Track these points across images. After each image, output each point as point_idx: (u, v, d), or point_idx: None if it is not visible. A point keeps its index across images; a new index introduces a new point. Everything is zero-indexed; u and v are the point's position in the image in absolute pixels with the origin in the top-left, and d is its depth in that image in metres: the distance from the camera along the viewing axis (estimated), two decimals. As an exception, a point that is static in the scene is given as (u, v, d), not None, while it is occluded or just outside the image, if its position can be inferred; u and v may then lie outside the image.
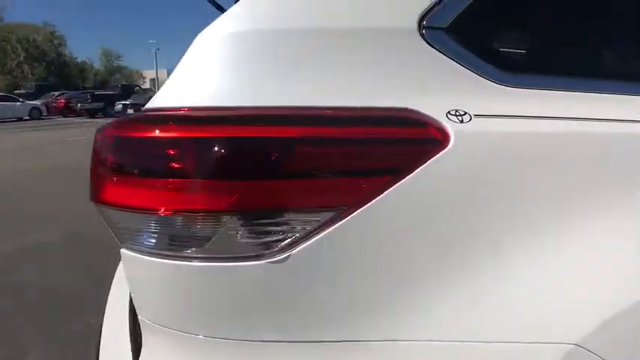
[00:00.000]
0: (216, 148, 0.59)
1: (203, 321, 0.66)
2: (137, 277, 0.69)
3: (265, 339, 0.65)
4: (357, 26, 0.69)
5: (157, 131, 0.61)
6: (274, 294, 0.63)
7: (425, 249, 0.65)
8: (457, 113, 0.69)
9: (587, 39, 0.84)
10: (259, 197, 0.60)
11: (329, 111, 0.63)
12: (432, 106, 0.68)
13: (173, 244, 0.63)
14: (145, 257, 0.65)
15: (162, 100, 0.67)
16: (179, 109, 0.64)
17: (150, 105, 0.67)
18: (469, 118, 0.69)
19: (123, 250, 0.68)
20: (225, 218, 0.60)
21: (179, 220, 0.62)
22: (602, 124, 0.72)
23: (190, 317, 0.66)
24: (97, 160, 0.66)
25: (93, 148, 0.66)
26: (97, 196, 0.66)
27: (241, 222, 0.61)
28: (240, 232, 0.61)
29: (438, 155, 0.65)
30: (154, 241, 0.64)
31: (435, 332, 0.65)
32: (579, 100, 0.74)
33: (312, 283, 0.63)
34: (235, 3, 0.73)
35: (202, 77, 0.66)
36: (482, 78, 0.73)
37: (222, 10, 2.09)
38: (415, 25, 0.70)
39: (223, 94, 0.64)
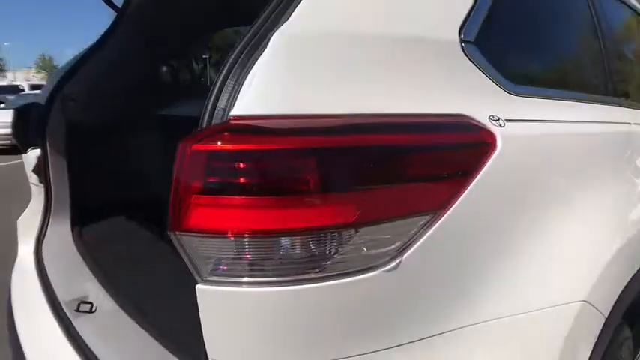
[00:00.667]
0: (343, 158, 0.58)
1: (311, 348, 0.62)
2: (228, 312, 0.61)
3: (375, 349, 0.65)
4: (413, 35, 0.74)
5: (269, 142, 0.56)
6: (388, 302, 0.64)
7: (499, 235, 0.74)
8: (494, 118, 0.80)
9: (575, 61, 1.05)
10: (377, 207, 0.61)
11: (417, 119, 0.67)
12: (477, 113, 0.77)
13: (286, 269, 0.59)
14: (246, 289, 0.58)
15: (250, 105, 0.60)
16: (281, 116, 0.59)
17: (237, 111, 0.60)
18: (503, 123, 0.80)
19: (203, 287, 0.60)
20: (349, 232, 0.59)
21: (298, 240, 0.58)
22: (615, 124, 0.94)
23: (296, 347, 0.62)
24: (183, 181, 0.57)
25: (176, 167, 0.57)
26: (181, 224, 0.57)
27: (362, 234, 0.60)
28: (360, 245, 0.61)
29: (494, 156, 0.74)
30: (260, 268, 0.58)
31: (511, 308, 0.75)
32: (571, 106, 0.93)
33: (422, 283, 0.66)
34: None
35: (295, 80, 0.62)
36: (497, 86, 0.85)
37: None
38: (457, 38, 0.78)
39: (319, 100, 0.61)
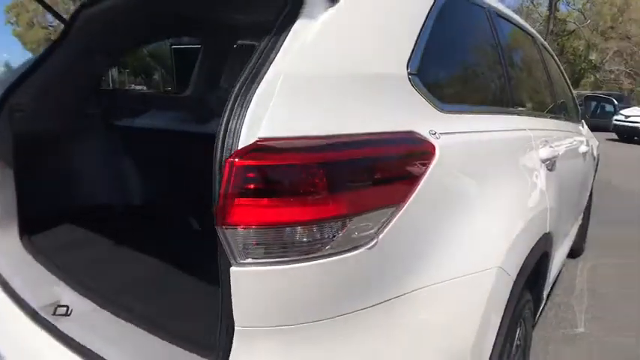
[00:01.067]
0: (339, 168, 0.80)
1: (316, 310, 0.85)
2: (256, 288, 0.80)
3: (352, 310, 0.88)
4: (374, 72, 0.99)
5: (287, 158, 0.77)
6: (369, 271, 0.88)
7: (440, 220, 1.01)
8: (432, 132, 1.06)
9: (485, 82, 1.36)
10: (362, 202, 0.84)
11: (381, 135, 0.92)
12: (421, 129, 1.03)
13: (319, 238, 0.80)
14: (269, 268, 0.79)
15: (268, 130, 0.79)
16: (296, 138, 0.80)
17: (261, 134, 0.79)
18: (439, 135, 1.07)
19: (236, 269, 0.79)
20: (344, 221, 0.81)
21: (311, 228, 0.79)
22: (516, 131, 1.26)
23: (305, 309, 0.84)
24: (230, 189, 0.76)
25: (224, 179, 0.75)
26: (225, 220, 0.76)
27: (353, 222, 0.83)
28: (353, 230, 0.83)
29: (433, 162, 1.01)
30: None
31: (449, 274, 1.03)
32: (497, 119, 1.25)
33: (391, 256, 0.91)
34: None
35: (293, 111, 0.83)
36: (432, 107, 1.12)
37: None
38: (405, 72, 1.04)
39: (321, 125, 0.83)
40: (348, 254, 0.84)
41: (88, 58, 2.02)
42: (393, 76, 1.03)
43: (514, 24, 2.15)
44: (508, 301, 1.21)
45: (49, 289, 1.52)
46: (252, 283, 0.81)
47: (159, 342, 1.21)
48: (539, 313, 2.19)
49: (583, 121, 3.75)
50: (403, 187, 0.94)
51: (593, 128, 4.00)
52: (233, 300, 0.81)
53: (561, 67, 3.51)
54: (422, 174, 0.98)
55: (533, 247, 1.40)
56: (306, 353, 0.85)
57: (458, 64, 1.36)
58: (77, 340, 1.22)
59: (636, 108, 15.84)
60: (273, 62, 0.87)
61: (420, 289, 0.99)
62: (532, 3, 35.61)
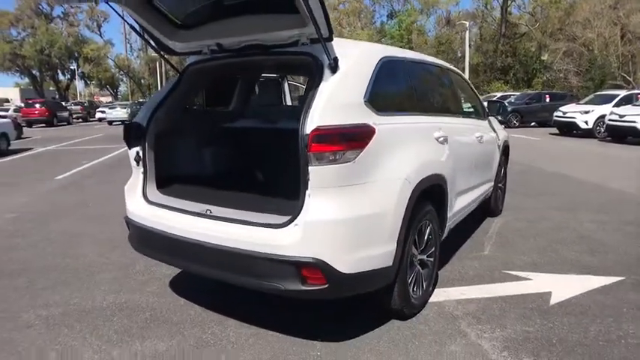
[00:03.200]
0: (344, 135, 2.57)
1: (336, 181, 2.58)
2: (320, 174, 2.55)
3: (348, 184, 2.63)
4: (352, 101, 2.76)
5: (334, 132, 2.56)
6: (354, 170, 2.62)
7: (380, 155, 2.79)
8: (374, 123, 2.82)
9: (401, 98, 3.18)
10: (350, 146, 2.59)
11: (355, 124, 2.68)
12: (369, 122, 2.79)
13: (336, 158, 2.55)
14: (327, 166, 2.54)
15: (319, 122, 2.52)
16: (332, 125, 2.56)
17: (318, 124, 2.52)
18: (377, 125, 2.83)
19: (312, 168, 2.53)
20: (344, 151, 2.56)
21: (337, 152, 2.54)
22: (418, 123, 3.13)
23: (335, 181, 2.58)
24: (310, 140, 2.50)
25: (310, 136, 2.49)
26: (309, 150, 2.50)
27: (349, 153, 2.58)
28: (349, 155, 2.58)
29: (374, 136, 2.77)
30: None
31: (384, 176, 2.79)
32: (407, 117, 3.07)
33: (362, 167, 2.66)
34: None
35: (330, 115, 2.57)
36: (374, 113, 2.88)
37: None
38: (362, 100, 2.81)
39: (336, 120, 2.58)
40: (346, 164, 2.60)
41: (189, 92, 3.72)
42: (358, 103, 2.81)
43: (423, 63, 4.00)
44: (411, 195, 2.99)
45: (195, 204, 3.18)
46: (316, 173, 2.56)
47: (259, 214, 2.91)
48: (447, 229, 3.95)
49: (491, 117, 5.59)
50: (364, 142, 2.69)
51: (502, 121, 5.88)
52: (310, 177, 2.55)
53: (470, 83, 5.39)
54: (370, 138, 2.73)
55: (425, 177, 3.18)
56: (334, 197, 2.61)
57: (386, 91, 3.16)
58: (224, 216, 2.92)
59: (573, 105, 17.94)
60: (315, 98, 2.62)
61: (373, 181, 2.75)
62: (486, 7, 38.60)
